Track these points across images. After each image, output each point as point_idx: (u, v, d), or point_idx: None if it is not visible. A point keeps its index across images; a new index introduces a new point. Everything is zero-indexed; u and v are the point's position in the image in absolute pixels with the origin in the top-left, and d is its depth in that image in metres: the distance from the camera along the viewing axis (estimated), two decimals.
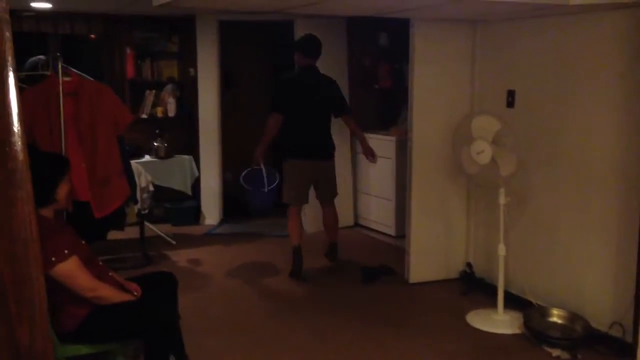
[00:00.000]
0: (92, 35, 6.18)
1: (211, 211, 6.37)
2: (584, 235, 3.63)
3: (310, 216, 5.79)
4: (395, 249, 5.34)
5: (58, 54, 3.61)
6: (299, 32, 5.84)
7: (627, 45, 3.29)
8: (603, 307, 3.52)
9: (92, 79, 3.77)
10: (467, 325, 3.84)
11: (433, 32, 4.30)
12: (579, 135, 3.63)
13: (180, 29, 6.31)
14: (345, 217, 6.14)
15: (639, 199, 2.99)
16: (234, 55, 6.70)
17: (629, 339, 3.22)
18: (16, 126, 0.65)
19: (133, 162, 4.66)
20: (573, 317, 3.63)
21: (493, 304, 3.92)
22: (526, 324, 3.64)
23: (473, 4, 3.22)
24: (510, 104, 4.07)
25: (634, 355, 3.05)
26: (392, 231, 5.74)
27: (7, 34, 0.71)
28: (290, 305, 4.21)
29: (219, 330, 3.76)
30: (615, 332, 3.39)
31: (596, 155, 3.53)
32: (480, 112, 3.95)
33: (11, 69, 0.69)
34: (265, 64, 7.14)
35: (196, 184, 6.23)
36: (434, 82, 4.39)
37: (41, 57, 5.00)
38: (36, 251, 0.58)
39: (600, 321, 3.49)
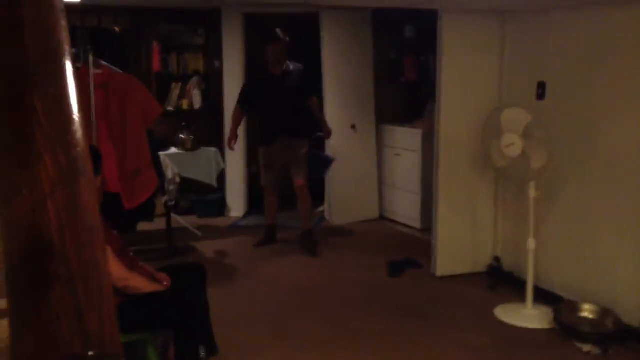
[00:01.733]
0: (117, 28, 6.23)
1: (236, 203, 6.40)
2: (616, 229, 3.57)
3: (335, 207, 5.79)
4: (421, 242, 5.31)
5: (89, 47, 3.64)
6: (325, 24, 5.83)
7: None
8: (635, 303, 3.46)
9: (121, 71, 3.80)
10: (496, 319, 3.80)
11: (461, 24, 4.25)
12: (611, 128, 3.57)
13: (205, 22, 6.33)
14: (370, 210, 6.13)
15: None
16: (259, 48, 6.69)
17: None
18: (76, 114, 0.65)
19: (160, 154, 4.70)
20: (604, 312, 3.58)
21: (522, 299, 3.88)
22: (556, 318, 3.59)
23: None
24: (540, 96, 4.01)
25: None
26: (417, 224, 5.71)
27: (64, 23, 0.71)
28: (317, 298, 4.22)
29: (248, 322, 3.78)
30: None
31: (629, 149, 3.46)
32: (510, 105, 3.90)
33: (69, 58, 0.69)
34: (291, 57, 7.12)
35: (221, 176, 6.26)
36: (462, 75, 4.34)
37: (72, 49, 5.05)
38: (101, 239, 0.58)
39: (633, 316, 3.44)
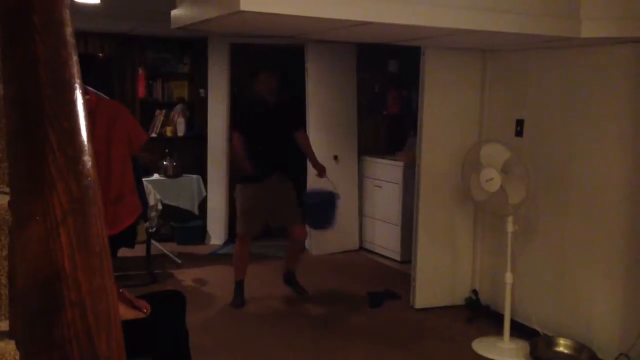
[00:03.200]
0: (101, 54, 6.27)
1: (217, 231, 6.39)
2: (593, 264, 3.65)
3: (315, 237, 5.81)
4: (400, 274, 5.35)
5: None
6: (310, 56, 5.93)
7: (636, 78, 3.35)
8: (610, 338, 3.52)
9: (107, 97, 3.83)
10: (473, 352, 3.83)
11: (444, 60, 4.36)
12: (587, 165, 3.67)
13: (191, 51, 6.41)
14: (350, 241, 6.17)
15: None
16: (244, 78, 6.77)
17: None
18: (86, 145, 0.69)
19: (143, 180, 4.70)
20: (579, 347, 3.63)
21: (499, 332, 3.92)
22: (532, 353, 3.63)
23: (483, 34, 3.29)
24: (519, 133, 4.12)
25: None
26: (397, 256, 5.75)
27: (75, 58, 0.76)
28: (297, 327, 4.21)
29: (227, 351, 3.76)
30: None
31: (604, 184, 3.57)
32: (489, 140, 4.00)
33: (80, 90, 0.73)
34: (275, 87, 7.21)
35: (203, 204, 6.27)
36: (444, 110, 4.44)
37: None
38: (109, 264, 0.62)
39: (607, 352, 3.49)
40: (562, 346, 3.70)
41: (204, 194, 6.15)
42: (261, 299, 4.79)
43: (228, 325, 4.21)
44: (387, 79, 6.36)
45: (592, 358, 3.51)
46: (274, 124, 4.53)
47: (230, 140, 4.75)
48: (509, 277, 3.86)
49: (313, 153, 4.80)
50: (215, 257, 5.91)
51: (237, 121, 4.86)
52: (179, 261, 5.60)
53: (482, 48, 4.36)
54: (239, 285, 4.63)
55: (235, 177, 4.58)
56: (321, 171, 4.75)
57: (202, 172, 6.30)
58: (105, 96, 3.80)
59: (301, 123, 4.93)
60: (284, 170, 4.58)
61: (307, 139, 4.86)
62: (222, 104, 6.28)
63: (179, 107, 6.39)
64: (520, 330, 3.96)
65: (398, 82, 6.30)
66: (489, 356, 3.76)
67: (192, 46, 6.38)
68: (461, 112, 4.47)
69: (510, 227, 3.81)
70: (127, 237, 3.87)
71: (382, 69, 6.32)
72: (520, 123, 4.12)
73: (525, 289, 4.06)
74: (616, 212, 3.50)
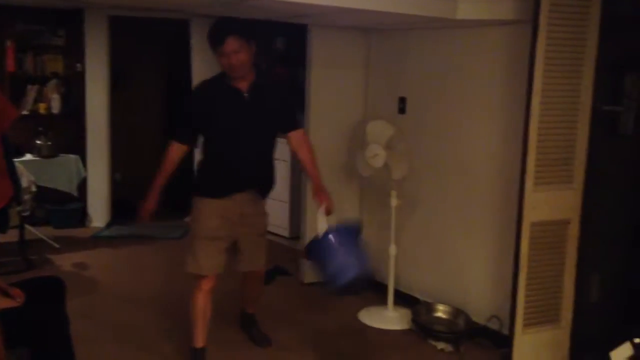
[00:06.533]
0: None
1: (98, 213, 6.13)
2: (469, 235, 3.88)
3: None
4: (289, 250, 5.40)
5: None
6: (195, 32, 5.78)
7: (507, 58, 3.56)
8: (483, 302, 3.78)
9: None
10: (359, 322, 3.97)
11: (329, 39, 4.41)
12: (463, 141, 3.88)
13: (67, 23, 6.02)
14: None
15: (514, 200, 3.24)
16: (125, 53, 6.47)
17: (505, 331, 3.47)
18: None
19: (15, 161, 4.39)
20: (456, 311, 3.86)
21: (384, 302, 4.08)
22: (414, 319, 3.83)
23: (365, 13, 3.35)
24: (401, 110, 4.26)
25: (510, 345, 3.30)
26: (286, 233, 5.79)
27: None
28: (181, 307, 4.14)
29: (112, 337, 3.64)
30: (493, 325, 3.65)
31: (478, 159, 3.79)
32: (374, 118, 4.11)
33: None
34: (158, 64, 6.97)
35: (82, 185, 5.97)
36: (330, 88, 4.50)
37: None
38: None
39: (480, 315, 3.75)
40: (441, 312, 3.92)
41: (84, 174, 5.86)
42: (145, 283, 4.66)
43: (113, 311, 4.06)
44: (275, 57, 6.33)
45: (468, 321, 3.75)
46: (245, 117, 3.06)
47: (205, 148, 3.20)
48: (392, 250, 4.02)
49: (316, 167, 3.29)
50: (97, 240, 5.67)
51: (180, 119, 3.23)
52: (57, 246, 5.31)
53: (366, 27, 4.45)
54: (197, 356, 3.21)
55: (195, 186, 3.21)
56: (327, 199, 3.12)
57: (81, 151, 5.98)
58: None
59: (295, 119, 3.31)
60: (260, 190, 3.21)
61: (308, 143, 3.31)
62: (102, 80, 5.99)
63: (53, 82, 5.99)
64: (403, 299, 4.15)
65: (286, 60, 6.29)
66: (374, 325, 3.92)
67: (67, 18, 5.98)
68: (347, 90, 4.54)
69: (394, 202, 3.95)
70: None
71: (269, 47, 6.28)
72: (402, 101, 4.27)
73: (408, 260, 4.25)
74: (489, 184, 3.73)
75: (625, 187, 3.51)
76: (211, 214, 3.09)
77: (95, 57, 5.95)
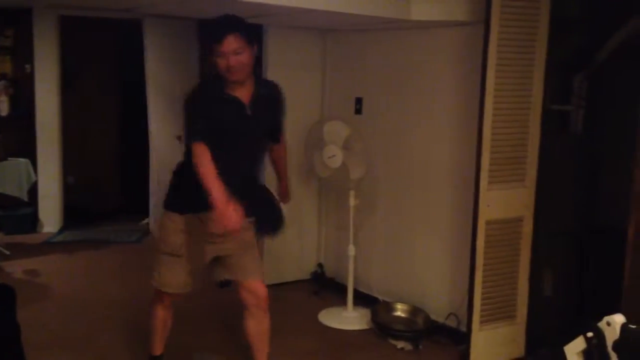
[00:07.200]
0: None
1: (50, 218, 5.97)
2: (425, 234, 3.92)
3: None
4: None
5: None
6: (148, 32, 5.68)
7: (461, 59, 3.61)
8: (441, 300, 3.82)
9: None
10: (319, 323, 3.96)
11: (286, 40, 4.39)
12: (419, 141, 3.92)
13: (15, 23, 5.84)
14: None
15: (470, 199, 3.29)
16: (77, 53, 6.32)
17: (463, 328, 3.52)
18: None
19: None
20: (415, 310, 3.90)
21: (343, 302, 4.09)
22: (373, 319, 3.84)
23: (320, 13, 3.36)
24: (358, 110, 4.28)
25: (468, 342, 3.35)
26: None
27: None
28: (139, 315, 4.06)
29: (65, 345, 3.53)
30: (451, 323, 3.70)
31: (433, 159, 3.83)
32: (331, 118, 4.11)
33: None
34: (111, 64, 6.83)
35: (33, 189, 5.80)
36: (287, 88, 4.41)
37: None
38: None
39: (439, 313, 3.79)
40: (400, 310, 3.95)
41: (34, 178, 5.68)
42: (99, 289, 4.55)
43: (67, 319, 3.95)
44: None
45: (426, 319, 3.79)
46: (247, 136, 2.77)
47: (187, 152, 2.74)
48: (351, 250, 4.03)
49: (287, 175, 3.23)
50: (49, 246, 5.52)
51: (196, 121, 2.68)
52: (8, 252, 5.14)
53: (323, 28, 4.46)
54: None
55: (166, 195, 2.90)
56: (285, 196, 3.20)
57: (31, 154, 5.81)
58: None
59: (281, 128, 3.06)
60: (253, 197, 2.82)
61: (286, 154, 3.18)
62: (52, 81, 5.85)
63: (1, 83, 5.81)
64: (363, 299, 4.16)
65: None
66: (334, 325, 3.92)
67: (15, 17, 5.81)
68: (304, 90, 4.53)
69: (352, 202, 3.96)
70: None
71: None
72: (359, 101, 4.28)
73: (366, 260, 4.27)
74: (445, 183, 3.77)
75: (576, 185, 3.60)
76: (176, 230, 2.79)
77: (45, 57, 5.80)
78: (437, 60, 3.76)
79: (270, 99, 2.86)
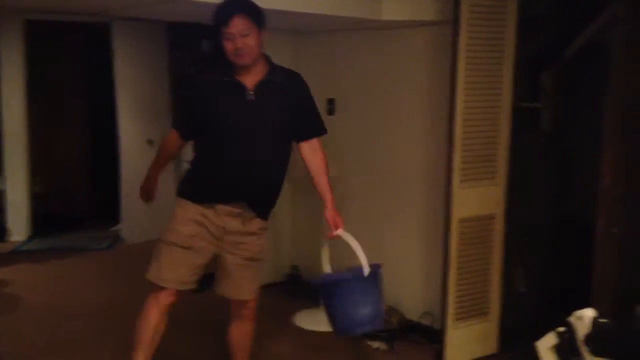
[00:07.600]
0: None
1: (18, 227, 5.85)
2: (399, 234, 3.92)
3: (130, 225, 5.54)
4: None
5: None
6: (117, 35, 5.60)
7: (432, 59, 3.63)
8: (415, 299, 3.83)
9: None
10: (295, 326, 3.94)
11: None
12: (391, 140, 3.93)
13: None
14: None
15: (441, 198, 3.30)
16: (43, 59, 6.20)
17: (437, 326, 3.53)
18: None
19: None
20: (390, 310, 3.89)
21: (318, 304, 4.06)
22: None
23: (289, 14, 3.34)
24: (330, 111, 4.27)
25: (442, 340, 3.36)
26: None
27: None
28: (113, 324, 3.99)
29: (37, 355, 3.46)
30: (426, 321, 3.71)
31: (405, 158, 3.84)
32: None
33: None
34: (80, 69, 6.72)
35: (0, 198, 5.68)
36: None
37: None
38: None
39: (413, 312, 3.80)
40: None
41: (2, 187, 5.58)
42: (71, 297, 4.46)
43: (37, 329, 3.86)
44: (201, 60, 6.22)
45: (401, 318, 3.79)
46: (251, 124, 2.58)
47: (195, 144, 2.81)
48: (325, 250, 3.99)
49: (329, 184, 2.85)
50: (17, 255, 5.40)
51: (178, 110, 2.71)
52: None
53: (294, 29, 4.44)
54: None
55: (180, 184, 2.77)
56: (338, 222, 2.86)
57: None
58: None
59: (315, 125, 2.80)
60: (254, 206, 2.67)
61: (324, 155, 2.82)
62: (18, 87, 5.75)
63: None
64: None
65: (212, 62, 6.19)
66: (310, 327, 3.90)
67: None
68: None
69: None
70: None
71: (194, 49, 6.17)
72: (331, 102, 4.28)
73: (341, 261, 4.24)
74: (417, 182, 3.78)
75: (546, 182, 3.64)
76: (187, 219, 2.61)
77: (10, 63, 5.69)
78: (408, 60, 3.78)
79: (283, 86, 2.63)
